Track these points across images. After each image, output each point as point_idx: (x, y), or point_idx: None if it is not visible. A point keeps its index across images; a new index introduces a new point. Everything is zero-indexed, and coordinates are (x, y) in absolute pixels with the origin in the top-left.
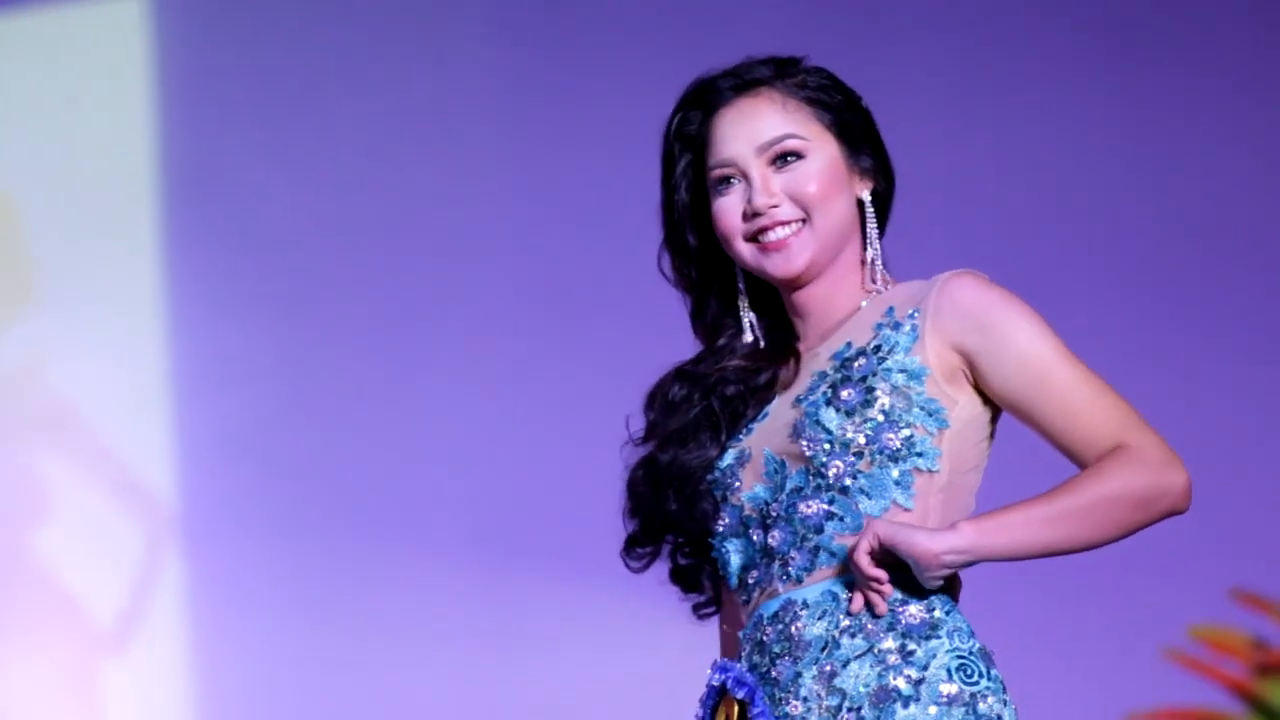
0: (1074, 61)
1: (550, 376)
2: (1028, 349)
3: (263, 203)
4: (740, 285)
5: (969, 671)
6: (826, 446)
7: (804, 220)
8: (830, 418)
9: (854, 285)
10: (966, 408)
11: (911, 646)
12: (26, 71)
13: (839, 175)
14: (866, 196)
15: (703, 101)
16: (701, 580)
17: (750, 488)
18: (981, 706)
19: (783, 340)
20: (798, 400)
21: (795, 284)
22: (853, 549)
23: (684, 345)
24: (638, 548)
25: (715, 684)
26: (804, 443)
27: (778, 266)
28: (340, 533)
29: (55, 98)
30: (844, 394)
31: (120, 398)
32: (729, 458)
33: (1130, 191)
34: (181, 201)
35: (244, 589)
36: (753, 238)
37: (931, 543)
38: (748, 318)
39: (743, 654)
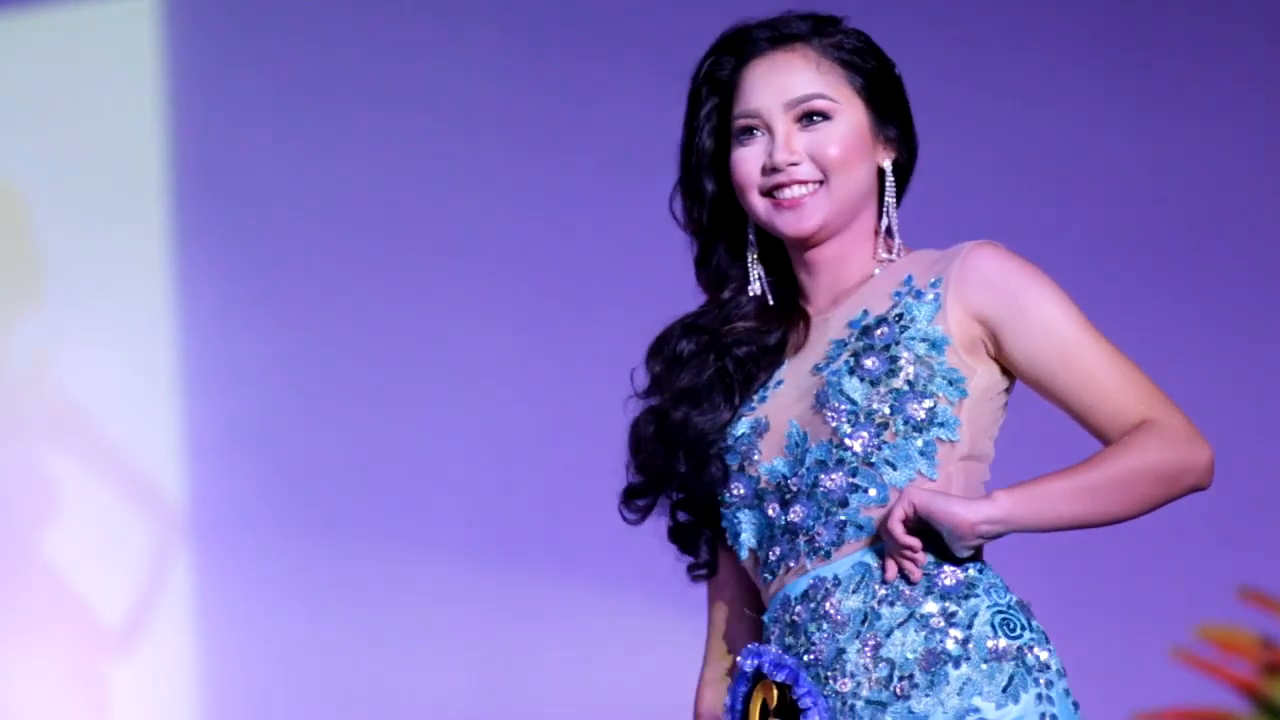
0: (1080, 50)
1: (558, 376)
2: (1054, 322)
3: (272, 201)
4: (751, 237)
5: (1011, 625)
6: (850, 417)
7: (821, 182)
8: (854, 387)
9: (867, 252)
10: (984, 377)
11: (952, 608)
12: (37, 68)
13: (863, 141)
14: (888, 165)
15: (737, 48)
16: (699, 543)
17: (769, 460)
18: (1029, 658)
19: (790, 299)
20: (817, 368)
21: (806, 243)
22: (886, 517)
23: None
24: (637, 499)
25: (749, 669)
26: (828, 413)
27: (789, 224)
28: (348, 532)
29: (65, 95)
30: (867, 363)
31: (129, 396)
32: (744, 425)
33: (1132, 183)
34: (191, 200)
35: (251, 588)
36: (768, 192)
37: (968, 512)
38: (756, 271)
39: (771, 637)
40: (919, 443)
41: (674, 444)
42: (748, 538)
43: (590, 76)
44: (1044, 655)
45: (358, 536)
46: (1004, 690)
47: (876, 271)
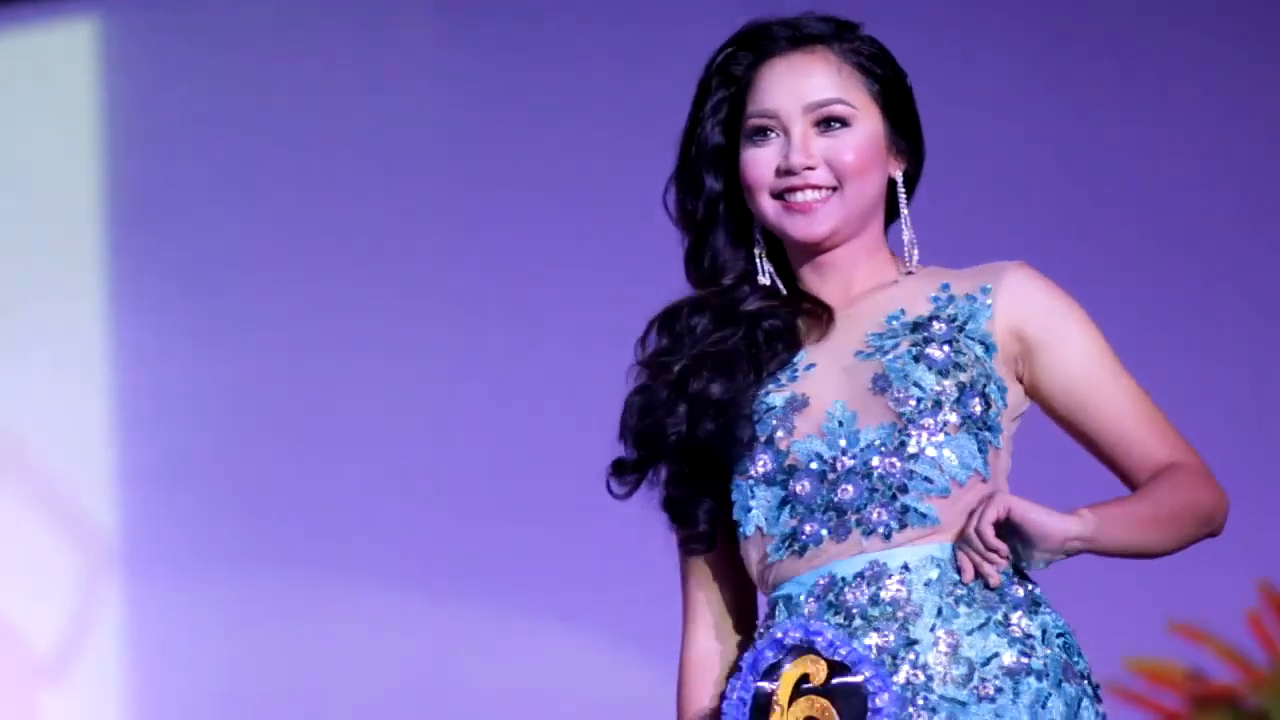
0: (1066, 53)
1: (493, 408)
2: (1091, 353)
3: (206, 234)
4: (757, 235)
5: (1070, 649)
6: (915, 404)
7: (835, 189)
8: (923, 375)
9: (876, 262)
10: (1013, 394)
11: (1026, 621)
12: None
13: (879, 150)
14: (899, 176)
15: (755, 45)
16: (697, 513)
17: (803, 436)
18: (1087, 685)
19: (796, 292)
20: (862, 355)
21: (816, 248)
22: (976, 515)
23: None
24: (628, 472)
25: (791, 641)
26: (892, 397)
27: (800, 228)
28: (279, 563)
29: None
30: (932, 352)
31: (62, 427)
32: (778, 399)
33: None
34: (125, 236)
35: (183, 619)
36: (779, 195)
37: (1062, 525)
38: (766, 266)
39: (803, 613)
40: (976, 441)
41: (700, 407)
42: (758, 514)
43: (541, 102)
44: (1093, 685)
45: (289, 567)
46: (1076, 712)
47: (898, 279)
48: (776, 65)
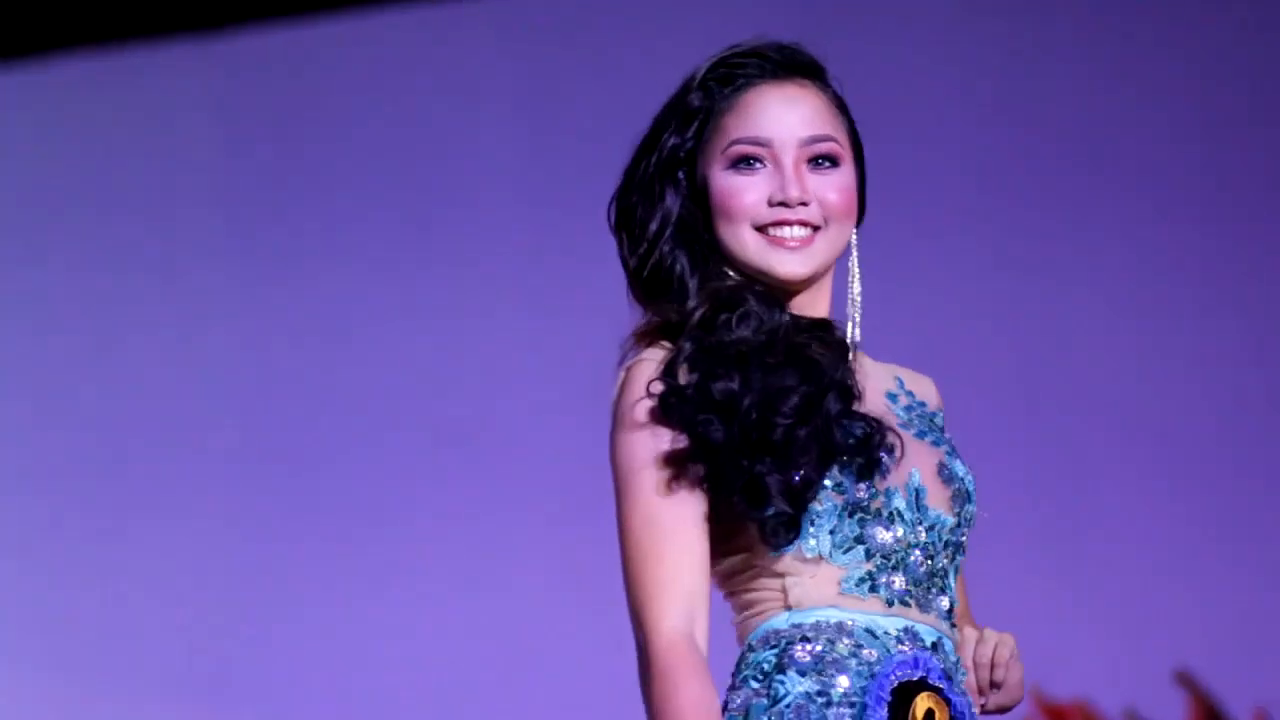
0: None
1: (275, 518)
2: None
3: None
4: (729, 269)
5: None
6: (967, 508)
7: (818, 228)
8: (970, 478)
9: (827, 311)
10: None
11: None
12: None
13: (856, 195)
14: (854, 228)
15: (744, 65)
16: (769, 490)
17: (892, 487)
18: None
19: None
20: (911, 431)
21: (791, 288)
22: (991, 648)
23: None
24: (719, 452)
25: (930, 674)
26: (954, 493)
27: (786, 265)
28: (63, 669)
29: None
30: (960, 457)
31: None
32: (891, 439)
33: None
34: None
35: None
36: (761, 228)
37: (1023, 690)
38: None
39: (895, 647)
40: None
41: (833, 410)
42: (830, 540)
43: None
44: None
45: (68, 674)
46: None
47: (860, 349)
48: (770, 91)
